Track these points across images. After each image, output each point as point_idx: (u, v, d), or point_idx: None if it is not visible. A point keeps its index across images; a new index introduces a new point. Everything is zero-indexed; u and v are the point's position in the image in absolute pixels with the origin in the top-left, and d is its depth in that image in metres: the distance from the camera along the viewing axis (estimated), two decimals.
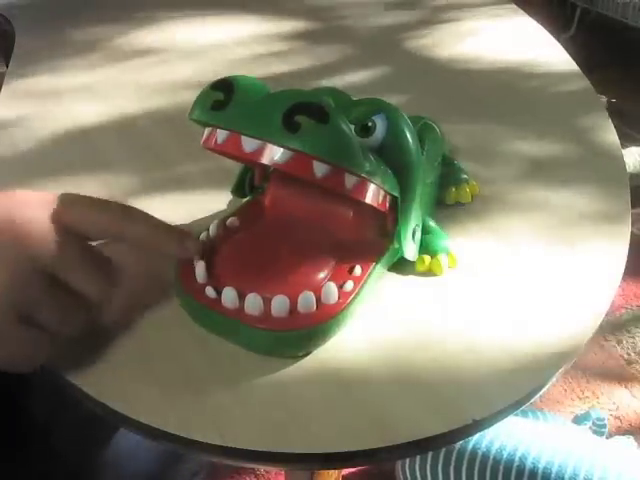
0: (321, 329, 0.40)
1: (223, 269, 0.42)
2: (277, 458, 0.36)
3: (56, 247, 0.35)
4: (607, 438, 1.08)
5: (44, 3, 0.93)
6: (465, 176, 0.54)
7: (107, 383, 0.39)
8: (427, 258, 0.46)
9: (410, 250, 0.45)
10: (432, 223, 0.48)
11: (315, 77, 0.74)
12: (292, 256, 0.43)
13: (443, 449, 0.87)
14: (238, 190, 0.50)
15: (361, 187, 0.40)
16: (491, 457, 0.83)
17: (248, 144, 0.39)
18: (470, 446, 0.85)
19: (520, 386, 0.39)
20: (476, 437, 0.79)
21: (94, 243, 0.39)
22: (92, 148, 0.62)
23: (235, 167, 0.49)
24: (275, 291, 0.39)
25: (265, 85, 0.40)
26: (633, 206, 0.53)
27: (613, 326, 1.39)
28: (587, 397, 1.25)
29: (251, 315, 0.39)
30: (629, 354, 1.33)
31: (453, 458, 0.86)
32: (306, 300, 0.39)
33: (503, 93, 0.72)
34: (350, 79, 0.74)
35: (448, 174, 0.53)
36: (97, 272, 0.38)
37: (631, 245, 0.50)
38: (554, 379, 0.41)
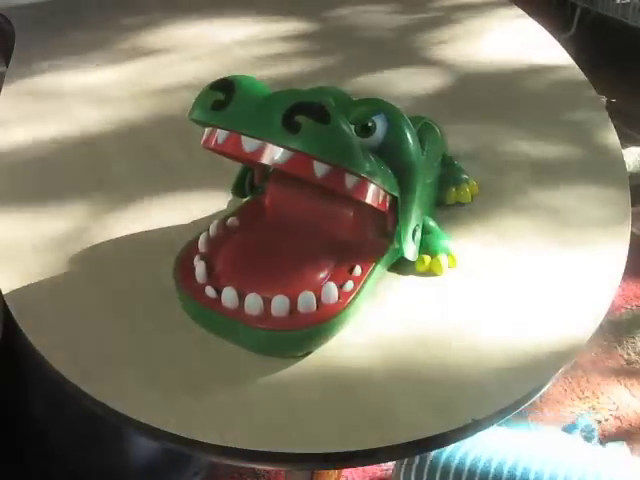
0: (321, 329, 0.40)
1: (223, 269, 0.42)
2: (277, 458, 0.36)
3: None
4: (600, 444, 1.07)
5: (44, 3, 0.93)
6: (465, 176, 0.54)
7: (107, 383, 0.39)
8: (427, 258, 0.46)
9: (410, 250, 0.45)
10: (432, 223, 0.48)
11: (315, 77, 0.74)
12: (292, 256, 0.43)
13: (416, 461, 0.84)
14: (238, 190, 0.50)
15: (361, 187, 0.40)
16: (466, 469, 0.81)
17: (248, 144, 0.39)
18: (443, 458, 0.82)
19: (520, 386, 0.39)
20: (450, 449, 0.76)
21: None
22: (92, 148, 0.62)
23: (235, 167, 0.49)
24: (275, 291, 0.39)
25: (265, 85, 0.40)
26: (633, 204, 0.53)
27: (613, 326, 1.38)
28: (587, 397, 1.24)
29: (251, 315, 0.39)
30: (629, 354, 1.33)
31: (425, 471, 0.83)
32: (306, 300, 0.39)
33: (503, 93, 0.72)
34: (350, 79, 0.74)
35: (448, 174, 0.53)
36: None
37: (631, 245, 0.50)
38: (554, 379, 0.41)
